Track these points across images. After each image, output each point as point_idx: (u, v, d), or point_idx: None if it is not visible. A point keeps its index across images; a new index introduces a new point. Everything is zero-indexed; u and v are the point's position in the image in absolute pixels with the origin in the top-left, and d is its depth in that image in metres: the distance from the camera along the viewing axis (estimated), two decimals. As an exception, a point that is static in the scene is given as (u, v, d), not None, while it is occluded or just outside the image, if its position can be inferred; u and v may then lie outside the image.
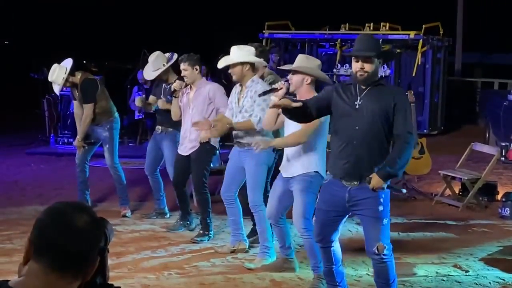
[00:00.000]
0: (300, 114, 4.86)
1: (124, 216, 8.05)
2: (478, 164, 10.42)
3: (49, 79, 7.91)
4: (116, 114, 8.15)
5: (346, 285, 5.31)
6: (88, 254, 1.86)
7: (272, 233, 6.28)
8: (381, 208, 4.77)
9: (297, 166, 5.63)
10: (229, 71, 6.44)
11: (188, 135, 7.11)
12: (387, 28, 14.76)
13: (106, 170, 8.45)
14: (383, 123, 4.76)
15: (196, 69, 7.08)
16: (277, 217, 5.91)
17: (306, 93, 5.54)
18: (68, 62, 7.88)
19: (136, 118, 13.45)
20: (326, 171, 5.11)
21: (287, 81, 5.67)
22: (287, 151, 5.74)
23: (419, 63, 14.55)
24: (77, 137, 8.08)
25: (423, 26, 14.49)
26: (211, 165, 7.30)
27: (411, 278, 5.99)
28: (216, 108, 6.95)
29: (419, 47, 14.39)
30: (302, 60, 5.71)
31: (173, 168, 7.44)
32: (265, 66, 6.94)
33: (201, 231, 7.13)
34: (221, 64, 6.51)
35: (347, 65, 14.28)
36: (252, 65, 6.38)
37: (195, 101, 7.06)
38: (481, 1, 24.46)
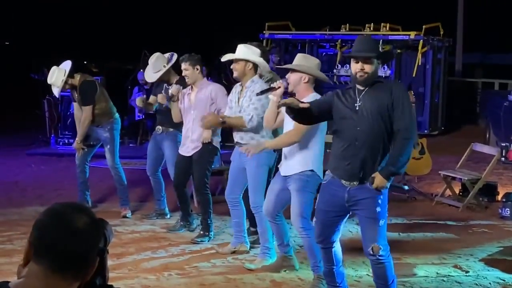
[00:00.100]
0: (304, 114, 4.87)
1: (125, 216, 8.05)
2: (478, 165, 10.43)
3: (48, 81, 7.91)
4: (117, 115, 8.15)
5: (346, 286, 5.32)
6: (88, 255, 1.86)
7: (273, 234, 6.28)
8: (378, 209, 4.78)
9: (293, 164, 5.64)
10: (231, 66, 6.45)
11: (190, 135, 7.11)
12: (387, 28, 14.76)
13: (107, 170, 8.46)
14: (384, 121, 4.77)
15: (197, 69, 7.08)
16: (274, 213, 5.91)
17: (304, 92, 5.55)
18: (67, 64, 7.88)
19: (136, 118, 13.47)
20: (326, 170, 5.11)
21: (285, 80, 5.69)
22: (285, 150, 5.75)
23: (420, 64, 14.55)
24: (76, 139, 8.09)
25: (424, 26, 14.49)
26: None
27: (411, 278, 5.98)
28: (218, 109, 6.94)
29: (420, 47, 14.38)
30: (300, 59, 5.73)
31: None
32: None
33: (201, 232, 7.13)
34: (225, 58, 6.55)
35: (347, 65, 14.26)
36: (255, 66, 6.39)
37: (197, 102, 7.06)
38: (482, 1, 24.46)
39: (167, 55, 7.82)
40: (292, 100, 4.81)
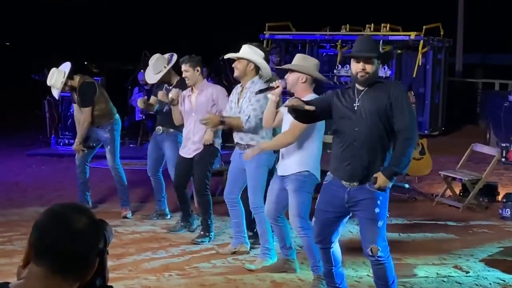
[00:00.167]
0: (306, 115, 4.87)
1: (125, 217, 8.04)
2: (478, 165, 10.43)
3: (48, 83, 7.91)
4: (117, 116, 8.15)
5: (346, 286, 5.31)
6: (88, 255, 1.86)
7: (273, 234, 6.28)
8: (377, 210, 4.78)
9: (290, 164, 5.65)
10: (233, 65, 6.45)
11: (191, 137, 7.11)
12: (387, 29, 14.75)
13: (107, 171, 8.46)
14: (382, 122, 4.77)
15: (197, 71, 7.08)
16: (276, 216, 5.91)
17: (302, 92, 5.54)
18: (66, 66, 7.88)
19: (137, 119, 13.48)
20: (327, 171, 5.11)
21: (284, 80, 5.69)
22: (282, 150, 5.76)
23: (420, 64, 14.54)
24: (76, 140, 8.09)
25: (424, 27, 14.48)
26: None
27: (411, 279, 5.98)
28: (219, 110, 6.94)
29: (420, 48, 14.38)
30: (299, 59, 5.73)
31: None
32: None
33: (201, 232, 7.13)
34: (228, 55, 6.56)
35: (348, 66, 14.25)
36: (257, 67, 6.39)
37: (198, 103, 7.06)
38: (482, 1, 24.46)
39: (166, 55, 7.82)
40: (298, 101, 4.80)
